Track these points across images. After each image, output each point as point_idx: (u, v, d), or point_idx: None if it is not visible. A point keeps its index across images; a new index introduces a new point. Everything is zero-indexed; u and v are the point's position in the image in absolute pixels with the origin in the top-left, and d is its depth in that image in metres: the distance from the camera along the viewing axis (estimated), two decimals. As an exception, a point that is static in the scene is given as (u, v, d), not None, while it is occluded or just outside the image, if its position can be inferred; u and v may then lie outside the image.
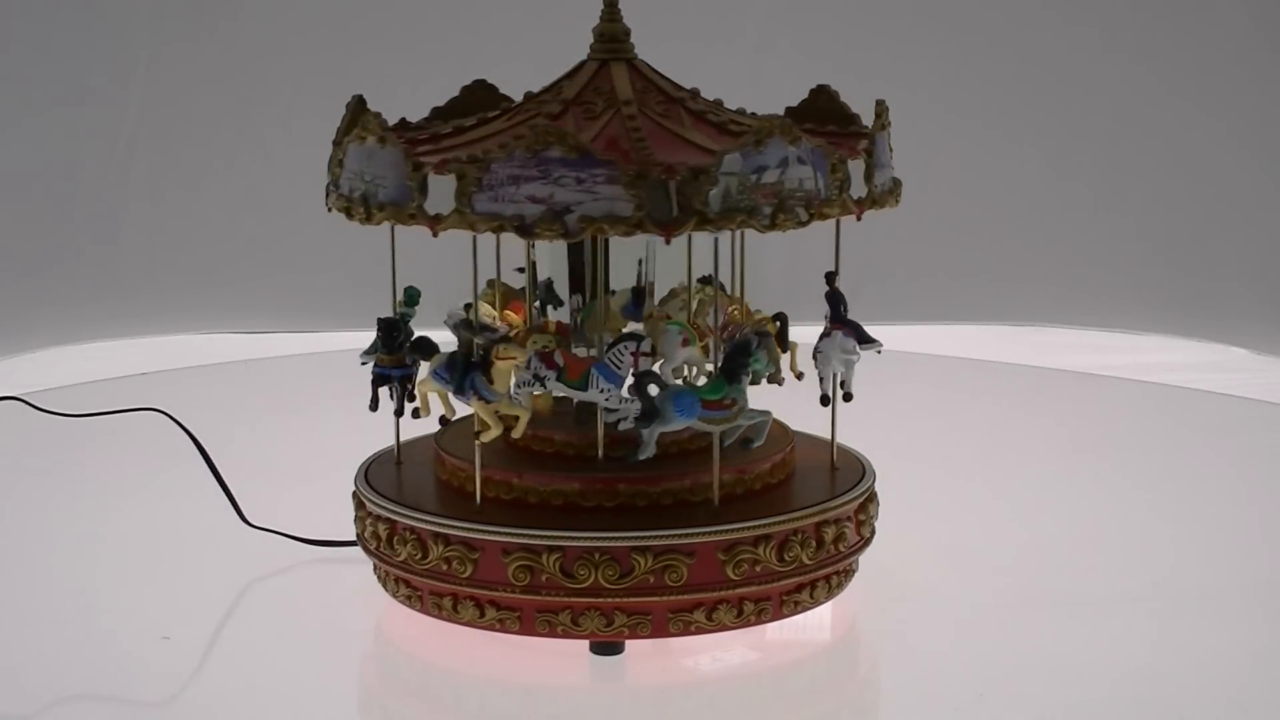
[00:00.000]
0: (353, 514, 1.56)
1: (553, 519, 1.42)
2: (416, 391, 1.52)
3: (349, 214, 1.45)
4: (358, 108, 1.47)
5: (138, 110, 2.99)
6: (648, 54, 1.53)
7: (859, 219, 1.44)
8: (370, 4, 3.00)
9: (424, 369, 1.51)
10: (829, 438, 1.59)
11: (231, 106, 3.00)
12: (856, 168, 1.43)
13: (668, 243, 1.37)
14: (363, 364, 1.57)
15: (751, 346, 1.44)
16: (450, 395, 1.48)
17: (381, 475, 1.55)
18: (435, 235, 1.39)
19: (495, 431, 1.44)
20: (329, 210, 1.49)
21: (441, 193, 1.37)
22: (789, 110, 1.56)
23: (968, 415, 2.37)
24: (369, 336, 1.58)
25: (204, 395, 2.41)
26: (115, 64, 2.97)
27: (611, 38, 1.52)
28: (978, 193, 3.02)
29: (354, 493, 1.55)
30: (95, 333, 2.91)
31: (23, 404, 1.94)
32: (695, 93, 1.52)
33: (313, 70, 2.95)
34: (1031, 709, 1.41)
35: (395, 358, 1.54)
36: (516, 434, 1.46)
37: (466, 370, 1.44)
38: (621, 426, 1.44)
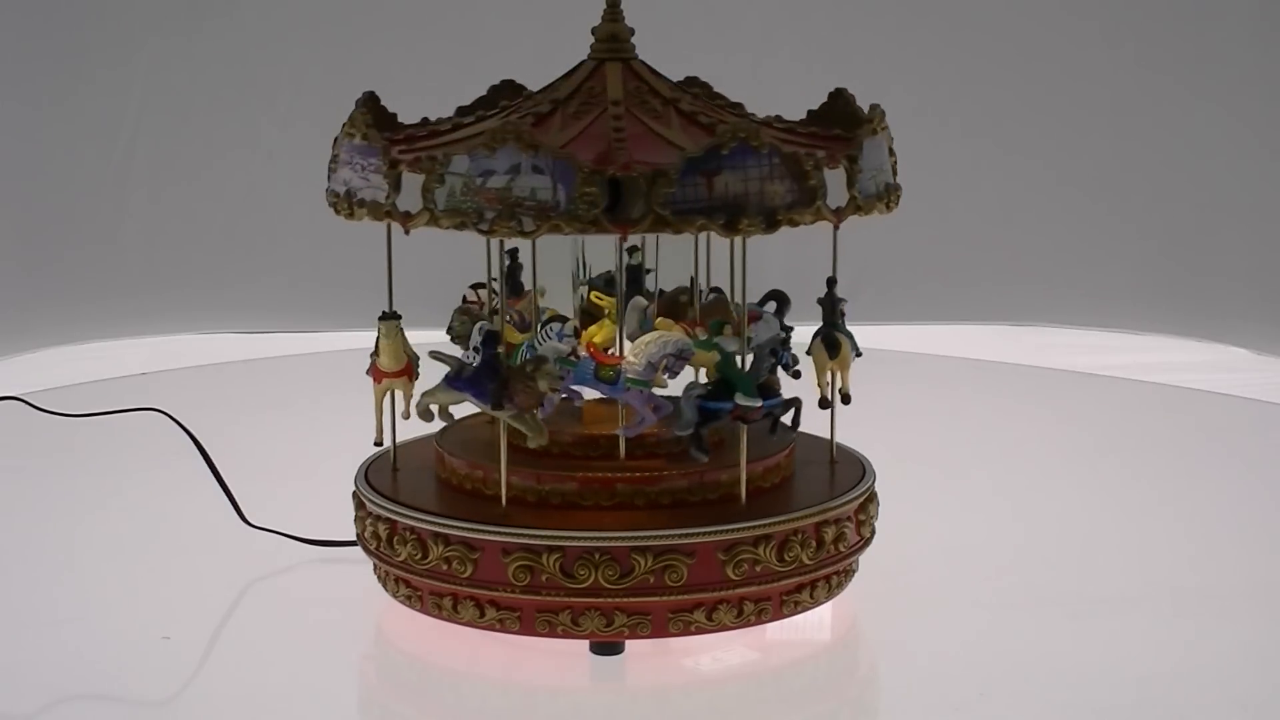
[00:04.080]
0: (353, 514, 1.56)
1: (553, 519, 1.43)
2: None
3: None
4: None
5: (138, 110, 3.00)
6: (649, 54, 1.53)
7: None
8: (371, 3, 3.00)
9: None
10: (830, 438, 1.60)
11: (231, 106, 3.01)
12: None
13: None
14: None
15: None
16: None
17: (382, 475, 1.55)
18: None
19: None
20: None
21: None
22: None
23: (968, 415, 2.37)
24: (369, 336, 1.57)
25: (204, 395, 2.42)
26: (115, 64, 2.97)
27: (612, 38, 1.52)
28: (977, 193, 3.02)
29: (354, 493, 1.55)
30: (95, 333, 2.91)
31: (23, 404, 1.94)
32: (698, 91, 1.52)
33: (313, 70, 2.96)
34: (1031, 709, 1.41)
35: None
36: None
37: None
38: None
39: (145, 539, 1.81)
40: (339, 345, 2.69)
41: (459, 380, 1.45)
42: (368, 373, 1.55)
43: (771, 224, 1.38)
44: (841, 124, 1.53)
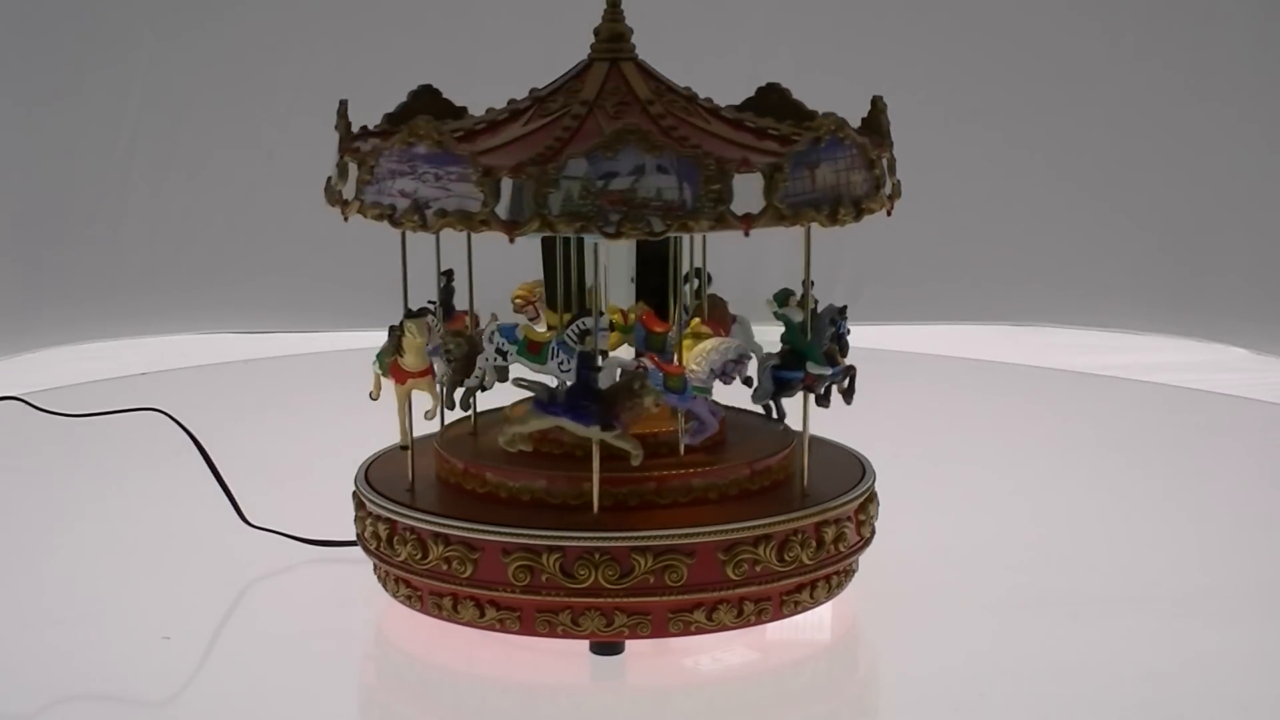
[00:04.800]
0: (353, 514, 1.56)
1: (553, 519, 1.42)
2: None
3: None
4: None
5: (138, 109, 2.99)
6: (648, 54, 1.53)
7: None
8: (371, 2, 3.00)
9: None
10: (830, 438, 1.60)
11: (231, 106, 3.00)
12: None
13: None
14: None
15: None
16: None
17: (382, 475, 1.55)
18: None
19: None
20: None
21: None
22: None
23: (968, 415, 2.36)
24: (370, 336, 1.57)
25: (204, 395, 2.42)
26: (115, 63, 2.97)
27: (614, 37, 1.51)
28: (978, 193, 3.02)
29: (354, 493, 1.55)
30: (95, 333, 2.91)
31: (23, 404, 1.94)
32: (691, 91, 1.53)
33: (313, 70, 2.95)
34: (1031, 709, 1.41)
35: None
36: None
37: None
38: None
39: (145, 539, 1.81)
40: (339, 345, 2.69)
41: (554, 405, 1.42)
42: (387, 375, 1.53)
43: (859, 213, 1.41)
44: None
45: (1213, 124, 2.95)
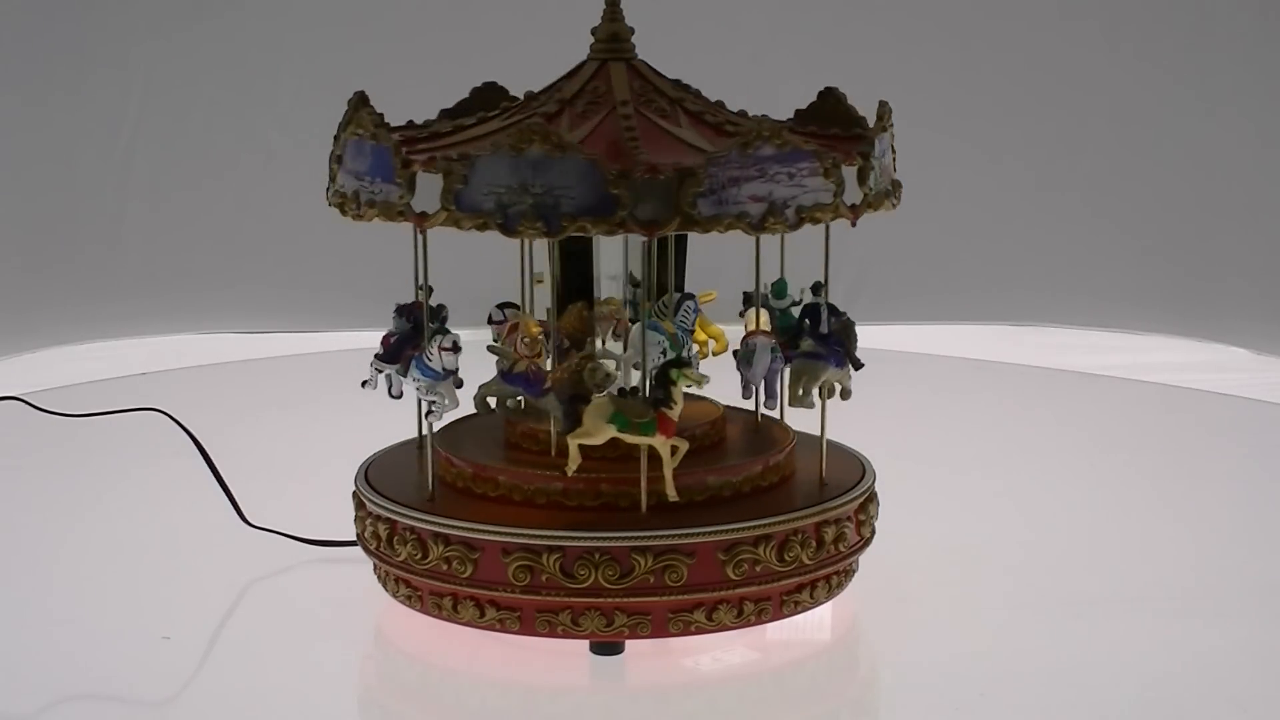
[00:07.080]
0: (353, 514, 1.56)
1: (553, 519, 1.43)
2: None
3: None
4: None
5: (138, 110, 3.00)
6: (648, 54, 1.53)
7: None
8: (372, 3, 3.00)
9: None
10: (830, 438, 1.60)
11: (231, 106, 3.01)
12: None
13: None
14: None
15: None
16: None
17: (382, 475, 1.55)
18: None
19: None
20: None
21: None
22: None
23: (968, 415, 2.37)
24: (370, 337, 1.57)
25: (204, 395, 2.42)
26: (115, 64, 2.97)
27: (612, 37, 1.52)
28: (978, 193, 3.02)
29: (354, 493, 1.55)
30: (95, 333, 2.91)
31: (23, 404, 1.94)
32: (697, 93, 1.53)
33: (313, 70, 2.96)
34: (1032, 709, 1.41)
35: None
36: None
37: None
38: None
39: (145, 539, 1.81)
40: (339, 345, 2.69)
41: (825, 356, 1.50)
42: (647, 431, 1.40)
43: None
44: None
45: (1213, 124, 2.95)
